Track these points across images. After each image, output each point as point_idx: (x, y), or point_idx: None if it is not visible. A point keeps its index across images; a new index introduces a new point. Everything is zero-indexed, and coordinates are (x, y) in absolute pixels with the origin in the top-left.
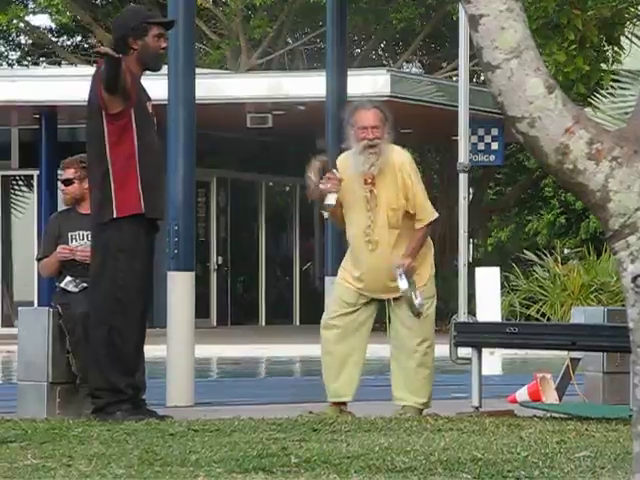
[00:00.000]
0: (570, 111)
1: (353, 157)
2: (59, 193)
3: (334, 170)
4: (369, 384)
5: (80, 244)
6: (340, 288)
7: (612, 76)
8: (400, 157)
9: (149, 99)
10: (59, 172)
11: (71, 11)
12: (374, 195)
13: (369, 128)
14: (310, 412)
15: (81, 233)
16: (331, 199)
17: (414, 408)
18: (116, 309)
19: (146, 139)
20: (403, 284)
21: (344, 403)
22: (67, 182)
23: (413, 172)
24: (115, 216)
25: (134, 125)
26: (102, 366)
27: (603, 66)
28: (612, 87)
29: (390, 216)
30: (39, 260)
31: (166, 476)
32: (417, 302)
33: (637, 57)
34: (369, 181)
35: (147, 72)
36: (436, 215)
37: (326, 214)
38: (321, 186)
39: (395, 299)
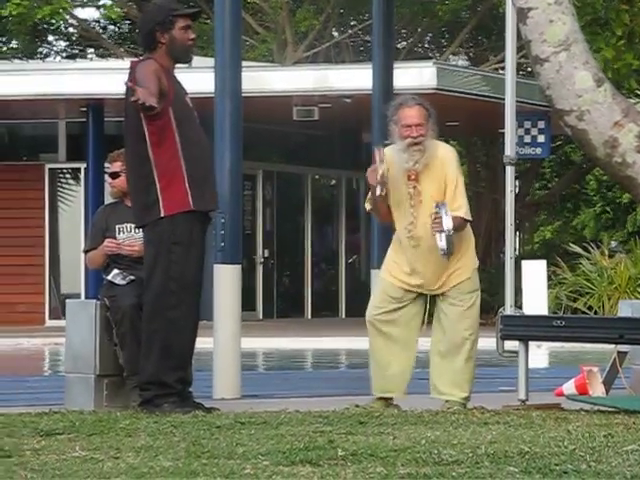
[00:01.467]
0: (619, 104)
1: (397, 154)
2: (106, 186)
3: (379, 161)
4: (415, 377)
5: (127, 237)
6: (384, 283)
7: None
8: (446, 153)
9: (186, 92)
10: (106, 165)
11: (118, 6)
12: (417, 191)
13: (413, 126)
14: (357, 405)
15: (128, 226)
16: (382, 190)
17: (458, 403)
18: (171, 302)
19: (189, 134)
20: (447, 222)
21: (391, 397)
22: (114, 175)
23: (457, 169)
24: (162, 215)
25: (174, 123)
26: (153, 360)
27: None
28: None
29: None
30: (86, 252)
31: (213, 469)
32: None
33: None
34: (412, 177)
35: (180, 65)
36: (469, 217)
37: (368, 207)
38: (373, 175)
39: (441, 295)
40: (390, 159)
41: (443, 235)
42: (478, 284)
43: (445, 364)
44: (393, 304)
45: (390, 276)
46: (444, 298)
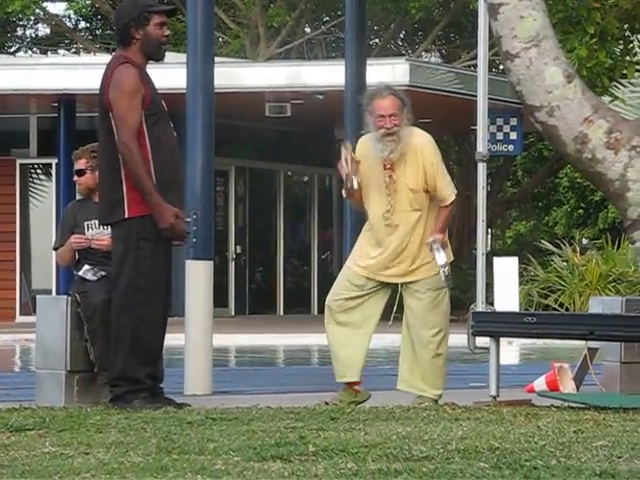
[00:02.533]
0: (589, 100)
1: (372, 143)
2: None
3: (352, 153)
4: (386, 373)
5: (96, 233)
6: (349, 271)
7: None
8: (421, 139)
9: (155, 90)
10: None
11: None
12: (393, 180)
13: (387, 117)
14: (326, 403)
15: (97, 222)
16: (355, 183)
17: (430, 399)
18: (140, 298)
19: (160, 137)
20: (441, 258)
21: (357, 383)
22: (80, 173)
23: (434, 153)
24: (126, 216)
25: (145, 126)
26: (123, 355)
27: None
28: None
29: (411, 198)
30: (56, 249)
31: (184, 464)
32: (442, 272)
33: None
34: (388, 166)
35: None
36: (455, 193)
37: (344, 193)
38: (343, 171)
39: (408, 287)
40: (366, 147)
41: (442, 268)
42: (444, 282)
43: (414, 359)
44: (355, 292)
45: (355, 265)
46: (411, 292)
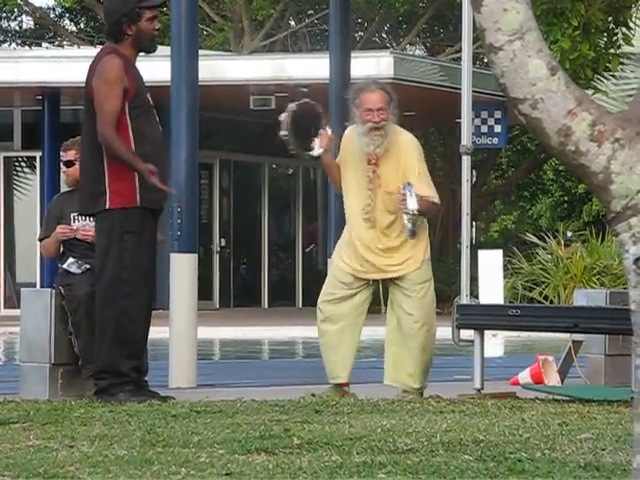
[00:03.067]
0: (573, 93)
1: (358, 137)
2: (62, 175)
3: (327, 128)
4: (371, 366)
5: (83, 225)
6: (335, 268)
7: (621, 57)
8: (406, 140)
9: (143, 84)
10: (61, 153)
11: None
12: (377, 175)
13: (374, 110)
14: (313, 395)
15: (80, 215)
16: (316, 151)
17: (414, 392)
18: (123, 290)
19: (144, 131)
20: (412, 202)
21: (346, 384)
22: (68, 164)
23: (418, 156)
24: (107, 207)
25: (129, 118)
26: (107, 348)
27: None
28: (622, 70)
29: (386, 200)
30: (41, 241)
31: (168, 457)
32: (407, 219)
33: None
34: (372, 162)
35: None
36: (437, 202)
37: (315, 153)
38: (315, 140)
39: (393, 282)
40: (351, 140)
41: (409, 216)
42: (430, 275)
43: (400, 353)
44: (343, 290)
45: (341, 261)
46: (397, 288)
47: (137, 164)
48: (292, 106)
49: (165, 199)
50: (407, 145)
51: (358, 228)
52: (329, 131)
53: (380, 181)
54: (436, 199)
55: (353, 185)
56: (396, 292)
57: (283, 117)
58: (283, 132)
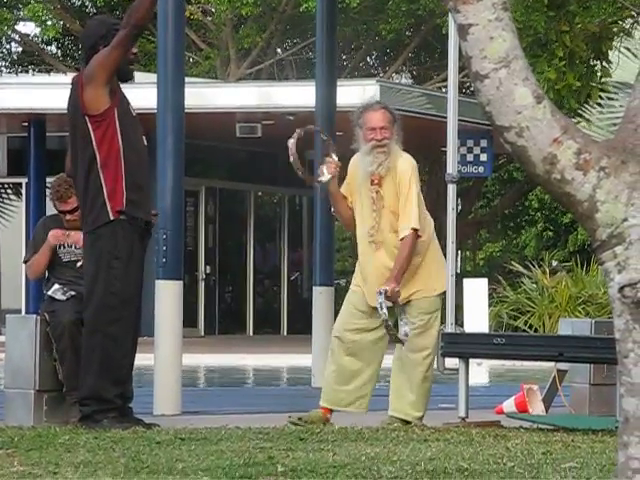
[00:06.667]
0: (558, 121)
1: (361, 158)
2: (48, 202)
3: (333, 155)
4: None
5: (67, 251)
6: (352, 295)
7: (601, 88)
8: (404, 164)
9: (129, 103)
10: (57, 205)
11: (60, 19)
12: (380, 196)
13: (377, 129)
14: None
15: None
16: (325, 177)
17: (408, 421)
18: (111, 317)
19: (131, 139)
20: (383, 313)
21: (331, 412)
22: (73, 211)
23: (413, 179)
24: (111, 218)
25: (118, 125)
26: (93, 374)
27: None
28: (601, 98)
29: (392, 220)
30: (26, 262)
31: None
32: (403, 331)
33: (625, 69)
34: (375, 182)
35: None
36: (415, 226)
37: (333, 211)
38: (321, 166)
39: (402, 310)
40: (356, 166)
41: (384, 304)
42: (438, 306)
43: (403, 382)
44: (362, 320)
45: (356, 286)
46: (402, 315)
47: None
48: (299, 131)
49: (150, 211)
50: (402, 170)
51: (365, 253)
52: (335, 158)
53: (384, 202)
54: (408, 226)
55: (360, 210)
56: (400, 321)
57: (290, 143)
58: (291, 158)
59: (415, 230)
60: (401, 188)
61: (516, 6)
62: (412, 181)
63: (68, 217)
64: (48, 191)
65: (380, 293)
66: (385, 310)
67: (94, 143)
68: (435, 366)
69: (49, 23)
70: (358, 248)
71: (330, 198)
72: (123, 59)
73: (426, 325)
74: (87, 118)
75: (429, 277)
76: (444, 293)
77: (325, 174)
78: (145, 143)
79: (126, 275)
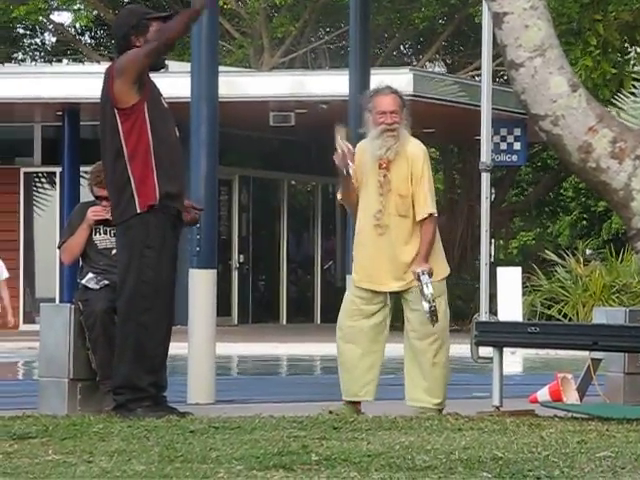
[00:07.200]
0: (594, 110)
1: (370, 142)
2: (82, 190)
3: (349, 146)
4: (389, 383)
5: (103, 238)
6: (352, 285)
7: (634, 77)
8: (414, 148)
9: (161, 94)
10: (95, 190)
11: (94, 8)
12: (387, 180)
13: (387, 113)
14: (330, 412)
15: (104, 227)
16: (351, 170)
17: (432, 409)
18: (144, 305)
19: (162, 133)
20: (429, 291)
21: (359, 402)
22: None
23: (425, 165)
24: (138, 211)
25: (147, 119)
26: (127, 363)
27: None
28: (634, 87)
29: (399, 203)
30: (60, 247)
31: (186, 473)
32: (426, 307)
33: None
34: (383, 165)
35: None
36: (432, 211)
37: (339, 196)
38: (337, 160)
39: (404, 298)
40: (364, 151)
41: (427, 302)
42: (441, 291)
43: (414, 370)
44: (361, 306)
45: (355, 275)
46: (406, 302)
47: (187, 13)
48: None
49: (182, 201)
50: (414, 155)
51: (368, 235)
52: (350, 147)
53: (391, 185)
54: (431, 209)
55: (365, 193)
56: (406, 307)
57: (340, 133)
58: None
59: (431, 214)
60: (414, 172)
61: None
62: (425, 167)
63: (104, 203)
64: (82, 180)
65: (423, 272)
66: (432, 289)
67: (121, 135)
68: (469, 355)
69: (82, 12)
70: (358, 232)
71: (343, 188)
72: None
73: None
74: (116, 110)
75: (431, 263)
76: (446, 278)
77: (350, 164)
78: (177, 134)
79: (158, 264)
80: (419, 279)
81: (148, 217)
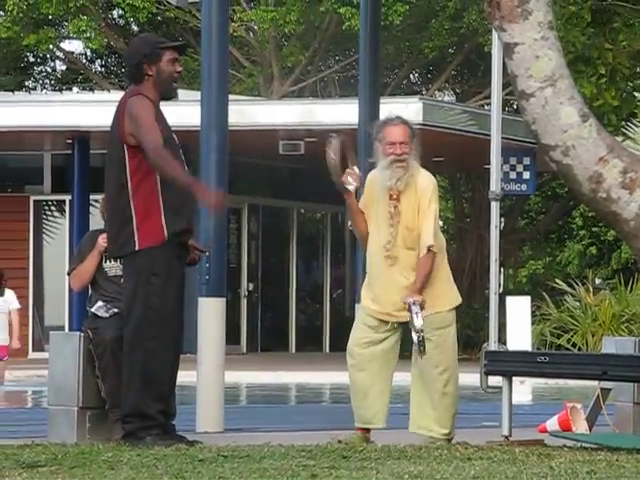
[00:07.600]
0: (604, 140)
1: (380, 173)
2: (91, 218)
3: (354, 167)
4: (397, 412)
5: (112, 266)
6: (362, 312)
7: None
8: (424, 181)
9: (169, 127)
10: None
11: (104, 37)
12: (397, 211)
13: (397, 143)
14: (339, 441)
15: None
16: (351, 185)
17: (440, 439)
18: (150, 333)
19: None
20: (418, 322)
21: (369, 430)
22: None
23: (432, 197)
24: (137, 249)
25: None
26: (134, 391)
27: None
28: None
29: (406, 236)
30: (69, 273)
31: None
32: (415, 337)
33: None
34: (394, 196)
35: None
36: (431, 244)
37: (350, 225)
38: (342, 179)
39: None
40: (374, 182)
41: (416, 333)
42: (451, 321)
43: (423, 399)
44: (371, 334)
45: (364, 304)
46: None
47: (190, 182)
48: (336, 135)
49: (191, 235)
50: (422, 184)
51: (379, 266)
52: (357, 170)
53: (400, 217)
54: (429, 242)
55: (376, 224)
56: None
57: (333, 142)
58: (332, 156)
59: (430, 247)
60: (421, 204)
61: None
62: (432, 199)
63: None
64: (92, 208)
65: (414, 303)
66: (421, 320)
67: (127, 171)
68: (479, 384)
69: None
70: (369, 264)
71: (349, 212)
72: (167, 78)
73: (439, 340)
74: (125, 146)
75: (440, 292)
76: (456, 308)
77: (350, 182)
78: (185, 169)
79: (164, 291)
80: (410, 309)
81: (153, 247)
